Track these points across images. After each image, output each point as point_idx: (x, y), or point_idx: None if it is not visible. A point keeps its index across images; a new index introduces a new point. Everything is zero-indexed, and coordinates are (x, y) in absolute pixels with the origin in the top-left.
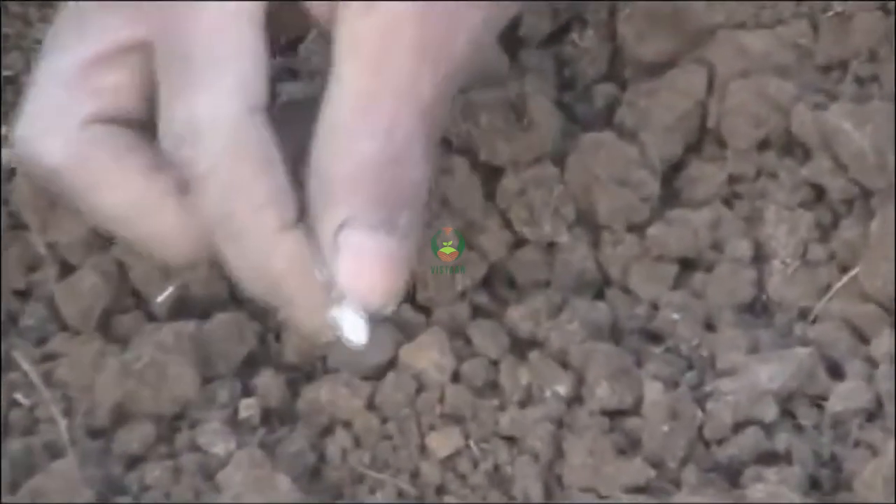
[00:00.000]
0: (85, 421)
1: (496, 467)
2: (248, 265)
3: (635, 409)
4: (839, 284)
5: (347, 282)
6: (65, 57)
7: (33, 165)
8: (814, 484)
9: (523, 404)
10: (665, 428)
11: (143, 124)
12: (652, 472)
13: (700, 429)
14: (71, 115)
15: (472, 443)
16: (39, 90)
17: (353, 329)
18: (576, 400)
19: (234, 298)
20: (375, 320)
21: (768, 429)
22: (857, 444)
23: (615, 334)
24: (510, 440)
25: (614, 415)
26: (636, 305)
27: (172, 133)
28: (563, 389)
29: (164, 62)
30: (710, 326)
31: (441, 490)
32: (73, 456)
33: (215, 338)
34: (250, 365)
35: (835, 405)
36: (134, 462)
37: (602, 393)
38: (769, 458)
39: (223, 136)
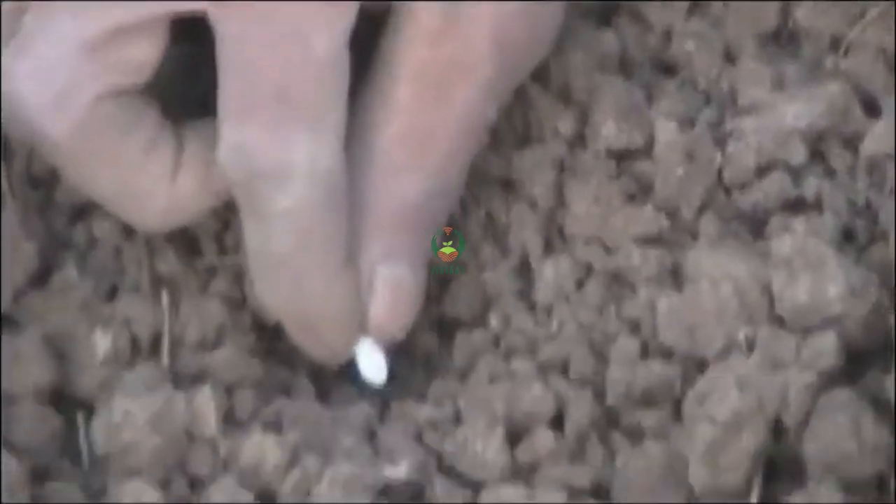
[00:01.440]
0: (25, 168)
1: (489, 216)
2: (292, 302)
3: (646, 151)
4: (875, 10)
5: (381, 316)
6: (84, 19)
7: (33, 134)
8: (847, 235)
9: (520, 145)
10: (680, 171)
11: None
12: (665, 222)
13: (719, 173)
14: (85, 89)
15: None
16: (48, 44)
17: (374, 368)
18: (579, 140)
19: None
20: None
21: (796, 173)
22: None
23: (623, 66)
24: (505, 185)
25: (622, 157)
26: (647, 33)
27: (248, 161)
28: (564, 128)
29: (242, 78)
30: (730, 58)
31: None
32: (13, 207)
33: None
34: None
35: (870, 146)
36: (80, 213)
37: (608, 132)
38: (797, 205)
39: (315, 187)
